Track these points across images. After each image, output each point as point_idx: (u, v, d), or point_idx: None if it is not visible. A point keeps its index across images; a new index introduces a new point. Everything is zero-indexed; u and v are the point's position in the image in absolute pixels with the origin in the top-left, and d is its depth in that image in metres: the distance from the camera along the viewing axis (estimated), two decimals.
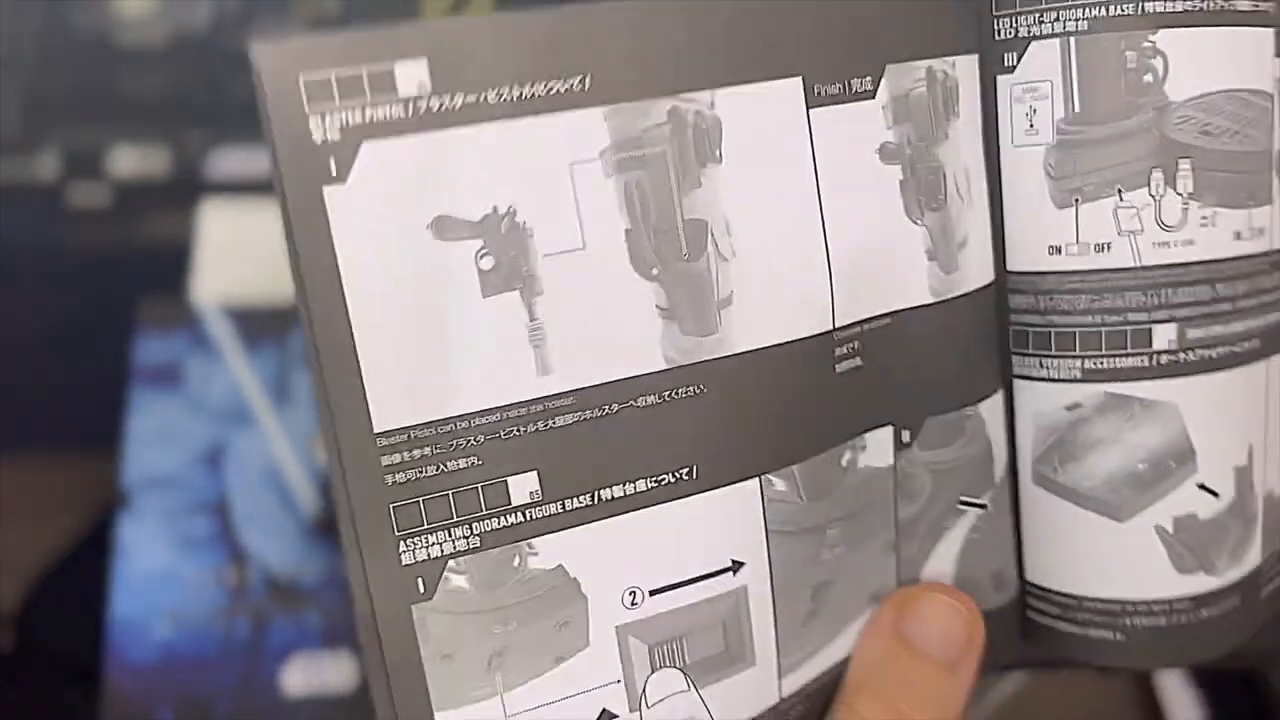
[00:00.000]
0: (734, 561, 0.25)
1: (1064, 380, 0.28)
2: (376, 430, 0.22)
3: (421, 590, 0.23)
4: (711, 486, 0.25)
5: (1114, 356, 0.27)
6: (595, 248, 0.23)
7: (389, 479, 0.22)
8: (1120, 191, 0.27)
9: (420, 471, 0.22)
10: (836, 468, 0.27)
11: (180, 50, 0.69)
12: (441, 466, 0.23)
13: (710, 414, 0.24)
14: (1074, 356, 0.28)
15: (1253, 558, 0.29)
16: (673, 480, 0.24)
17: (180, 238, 0.64)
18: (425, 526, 0.23)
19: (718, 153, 0.24)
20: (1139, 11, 0.26)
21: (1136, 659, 0.29)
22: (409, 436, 0.22)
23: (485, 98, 0.22)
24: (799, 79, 0.24)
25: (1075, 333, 0.28)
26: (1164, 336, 0.27)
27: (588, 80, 0.22)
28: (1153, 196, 0.27)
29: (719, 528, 0.25)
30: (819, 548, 0.27)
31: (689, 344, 0.24)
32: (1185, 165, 0.27)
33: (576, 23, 0.22)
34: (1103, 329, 0.27)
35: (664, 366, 0.24)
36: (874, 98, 0.26)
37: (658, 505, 0.24)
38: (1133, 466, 0.28)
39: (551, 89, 0.22)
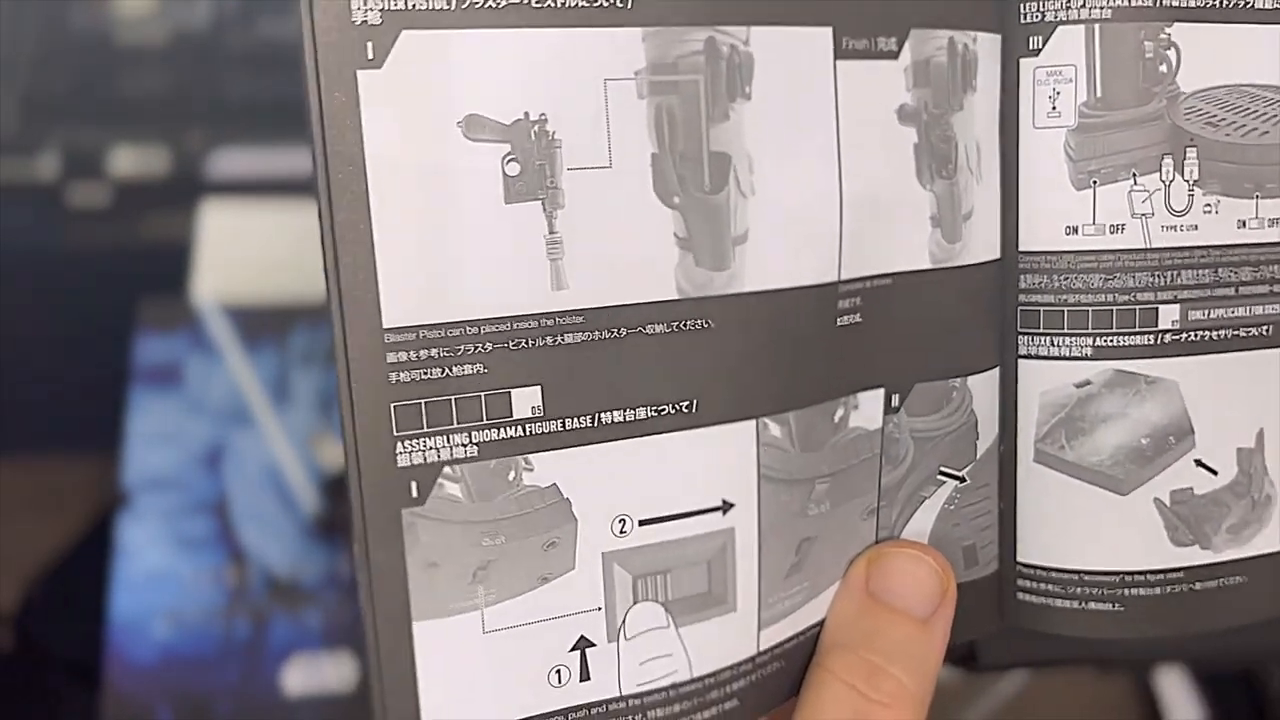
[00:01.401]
0: (724, 502, 0.25)
1: (1075, 358, 0.29)
2: (385, 325, 0.22)
3: (414, 495, 0.22)
4: (710, 423, 0.25)
5: (1123, 334, 0.28)
6: (621, 168, 0.23)
7: (393, 377, 0.22)
8: (1135, 175, 0.28)
9: (425, 373, 0.22)
10: (829, 422, 0.27)
11: (180, 50, 0.69)
12: (447, 370, 0.22)
13: (715, 350, 0.24)
14: (1086, 334, 0.28)
15: (1267, 541, 0.30)
16: (673, 411, 0.24)
17: (180, 238, 0.64)
18: (424, 430, 0.22)
19: (747, 89, 0.24)
20: (1158, 4, 0.28)
21: (1133, 629, 0.30)
22: (417, 335, 0.22)
23: (530, 0, 0.22)
24: (829, 29, 0.25)
25: (1088, 311, 0.28)
26: (1168, 316, 0.28)
27: (631, 2, 0.23)
28: (1163, 181, 0.28)
29: (713, 465, 0.25)
30: (806, 501, 0.27)
31: (702, 277, 0.24)
32: (1192, 153, 0.28)
33: None
34: (1113, 308, 0.28)
35: (675, 296, 0.24)
36: (897, 59, 0.26)
37: (656, 435, 0.24)
38: (1136, 441, 0.29)
39: (596, 1, 0.22)
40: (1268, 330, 0.29)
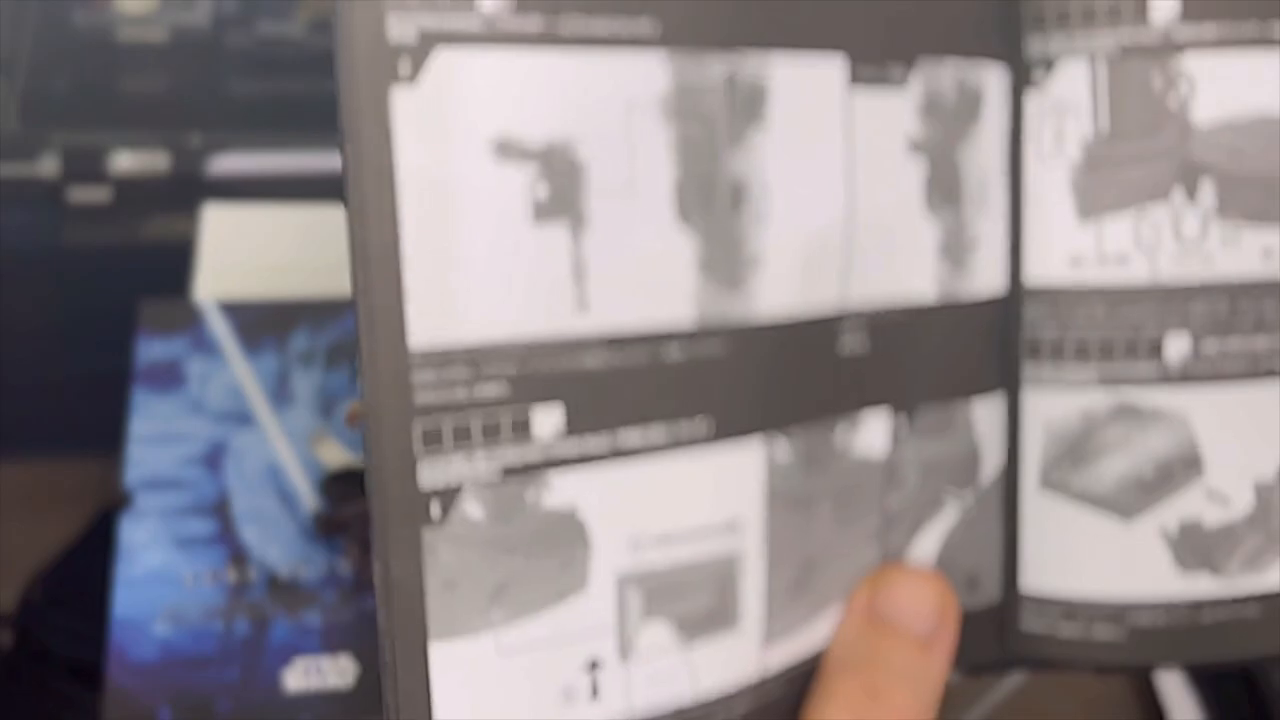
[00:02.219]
0: (733, 521, 0.26)
1: (1078, 387, 0.29)
2: (411, 347, 0.22)
3: (435, 515, 0.22)
4: (721, 443, 0.25)
5: (1128, 364, 0.28)
6: (644, 191, 0.24)
7: (417, 398, 0.22)
8: (1141, 207, 0.28)
9: (449, 394, 0.22)
10: (834, 444, 0.27)
11: (180, 50, 0.69)
12: (470, 391, 0.22)
13: (729, 375, 0.25)
14: (1089, 364, 0.28)
15: None
16: (687, 432, 0.25)
17: (180, 238, 0.64)
18: (447, 450, 0.22)
19: (765, 115, 0.25)
20: (1167, 36, 0.27)
21: (1138, 657, 0.29)
22: (443, 356, 0.22)
23: (558, 26, 0.22)
24: (843, 55, 0.25)
25: (1091, 341, 0.28)
26: (1177, 347, 0.28)
27: (656, 25, 0.23)
28: (1173, 214, 0.28)
29: (724, 485, 0.25)
30: (810, 520, 0.27)
31: (719, 301, 0.24)
32: (1208, 184, 0.28)
33: None
34: (1117, 338, 0.28)
35: (694, 320, 0.24)
36: (906, 87, 0.27)
37: (670, 455, 0.24)
38: (1141, 470, 0.29)
39: (623, 27, 0.23)
40: None
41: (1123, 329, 0.28)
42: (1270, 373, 0.28)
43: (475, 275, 0.22)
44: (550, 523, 0.24)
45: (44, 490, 0.60)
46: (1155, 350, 0.28)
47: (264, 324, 0.59)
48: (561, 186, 0.23)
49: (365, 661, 0.51)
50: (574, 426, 0.23)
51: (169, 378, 0.57)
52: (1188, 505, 0.29)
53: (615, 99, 0.23)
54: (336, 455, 0.56)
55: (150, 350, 0.57)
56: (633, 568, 0.25)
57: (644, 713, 0.25)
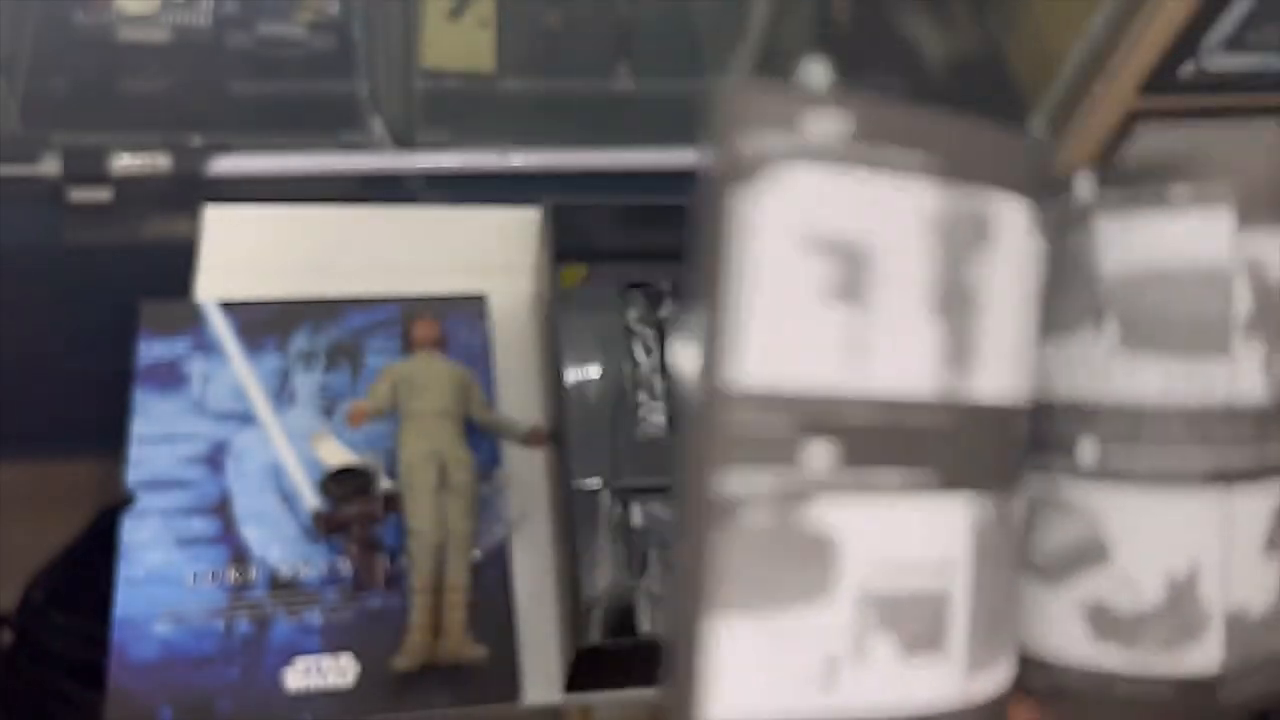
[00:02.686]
0: (948, 559, 0.30)
1: (1029, 475, 0.34)
2: (728, 389, 0.27)
3: (721, 519, 0.27)
4: (944, 492, 0.30)
5: (1050, 461, 0.34)
6: (908, 286, 0.29)
7: (723, 427, 0.27)
8: (1064, 336, 0.34)
9: (747, 427, 0.27)
10: (1011, 512, 0.32)
11: (180, 50, 0.70)
12: (764, 426, 0.28)
13: (952, 441, 0.30)
14: (1028, 455, 0.34)
15: (1199, 664, 0.33)
16: (920, 480, 0.30)
17: (181, 238, 0.64)
18: (738, 468, 0.27)
19: (989, 235, 0.31)
20: (1084, 204, 0.34)
21: (1063, 712, 0.34)
22: (748, 397, 0.27)
23: (864, 154, 0.28)
24: (1027, 200, 0.32)
25: (1025, 444, 0.33)
26: (1087, 450, 0.33)
27: (927, 158, 0.30)
28: (1087, 342, 0.33)
29: (942, 529, 0.30)
30: (999, 571, 0.31)
31: (951, 381, 0.30)
32: (1112, 321, 0.33)
33: (937, 119, 0.30)
34: (1043, 442, 0.34)
35: (932, 394, 0.30)
36: (1040, 232, 0.34)
37: (905, 498, 0.29)
38: (1056, 549, 0.34)
39: (904, 159, 0.29)
40: (1202, 475, 0.33)
41: (1049, 433, 0.34)
42: (1176, 481, 0.33)
43: (780, 336, 0.28)
44: (810, 538, 0.28)
45: (44, 490, 0.60)
46: (1070, 452, 0.34)
47: (265, 324, 0.59)
48: (850, 276, 0.28)
49: (365, 661, 0.51)
50: (841, 462, 0.28)
51: (170, 378, 0.57)
52: (1099, 587, 0.33)
53: (895, 210, 0.29)
54: (337, 455, 0.56)
55: (151, 350, 0.57)
56: (871, 587, 0.29)
57: (868, 712, 0.29)
